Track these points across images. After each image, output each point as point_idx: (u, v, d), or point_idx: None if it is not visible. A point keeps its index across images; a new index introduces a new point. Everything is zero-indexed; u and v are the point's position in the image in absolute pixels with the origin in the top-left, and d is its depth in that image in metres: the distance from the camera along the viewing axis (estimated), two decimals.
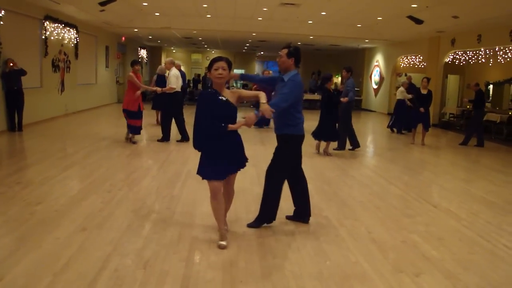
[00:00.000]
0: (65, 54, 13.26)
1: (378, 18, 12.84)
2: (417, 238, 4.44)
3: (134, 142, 9.11)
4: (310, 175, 7.07)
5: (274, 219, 4.59)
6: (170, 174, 6.72)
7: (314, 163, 8.04)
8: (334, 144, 9.20)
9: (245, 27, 16.09)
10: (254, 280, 3.37)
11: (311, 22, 14.86)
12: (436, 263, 3.84)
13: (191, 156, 7.48)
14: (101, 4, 11.72)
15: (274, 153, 4.55)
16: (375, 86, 19.30)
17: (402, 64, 17.06)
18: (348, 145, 9.34)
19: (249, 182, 6.41)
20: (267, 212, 4.56)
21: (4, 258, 3.56)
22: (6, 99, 9.73)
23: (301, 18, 14.38)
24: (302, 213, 4.76)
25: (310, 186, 6.26)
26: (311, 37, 17.48)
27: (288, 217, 4.80)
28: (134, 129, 9.02)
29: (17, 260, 3.53)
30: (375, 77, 19.29)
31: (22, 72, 9.78)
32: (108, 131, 10.86)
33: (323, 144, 8.80)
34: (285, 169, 4.55)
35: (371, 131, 14.49)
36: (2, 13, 9.09)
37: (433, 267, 3.75)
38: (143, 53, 25.22)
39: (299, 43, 21.10)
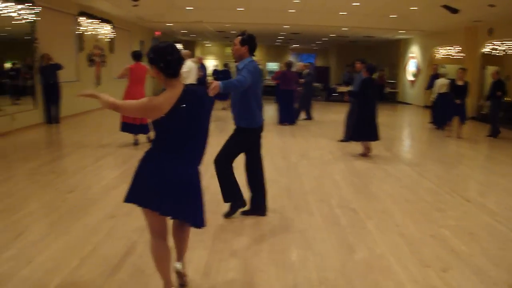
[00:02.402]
0: (100, 48, 13.58)
1: (412, 8, 12.46)
2: (446, 232, 4.30)
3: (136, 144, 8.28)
4: (340, 166, 7.04)
5: (244, 202, 4.52)
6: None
7: (343, 155, 7.91)
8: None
9: (277, 19, 15.97)
10: (275, 270, 3.36)
11: (344, 13, 14.59)
12: (465, 258, 3.71)
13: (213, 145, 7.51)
14: None
15: (227, 140, 4.41)
16: (411, 78, 18.79)
17: (438, 55, 16.51)
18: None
19: (278, 174, 6.39)
20: (234, 198, 4.47)
21: (35, 242, 3.70)
22: (43, 92, 10.06)
23: (333, 9, 14.15)
24: (257, 207, 4.58)
25: (338, 178, 6.30)
26: (344, 29, 17.17)
27: (243, 213, 4.56)
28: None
29: (47, 244, 3.66)
30: (412, 68, 18.77)
31: (58, 67, 10.08)
32: None
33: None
34: (232, 155, 4.39)
35: (406, 124, 14.15)
36: (38, 9, 9.37)
37: (461, 263, 3.62)
38: (179, 47, 25.52)
39: (332, 35, 20.84)
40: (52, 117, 10.23)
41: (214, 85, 3.67)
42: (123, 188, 5.27)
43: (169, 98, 2.63)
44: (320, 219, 4.56)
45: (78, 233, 3.94)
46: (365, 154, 7.83)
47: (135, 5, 12.79)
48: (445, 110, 10.83)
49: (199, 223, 2.84)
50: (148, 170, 2.65)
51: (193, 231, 3.11)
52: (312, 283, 3.19)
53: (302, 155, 7.88)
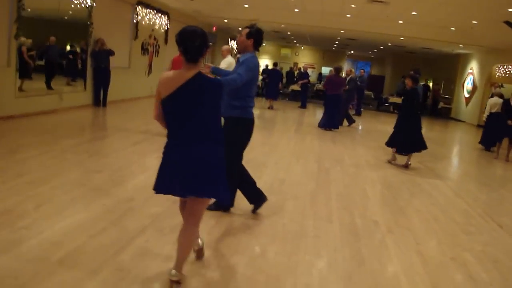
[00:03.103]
0: (155, 38, 13.96)
1: (473, 22, 11.83)
2: (469, 257, 4.03)
3: None
4: (372, 176, 6.82)
5: (232, 206, 4.42)
6: None
7: (379, 165, 7.66)
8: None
9: (333, 23, 15.75)
10: (276, 273, 3.28)
11: (401, 22, 14.13)
12: (482, 286, 3.46)
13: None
14: None
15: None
16: (467, 95, 17.90)
17: (498, 74, 15.59)
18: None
19: (307, 178, 6.28)
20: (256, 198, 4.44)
21: (51, 215, 3.83)
22: (93, 76, 10.47)
23: (390, 17, 13.72)
24: (257, 198, 4.49)
25: (368, 187, 6.12)
26: (402, 38, 16.66)
27: (254, 210, 4.51)
28: None
29: (62, 219, 3.77)
30: (468, 85, 17.88)
31: (111, 53, 10.44)
32: None
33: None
34: (238, 151, 4.26)
35: (454, 142, 13.52)
36: None
37: None
38: (233, 44, 25.80)
39: (389, 44, 20.28)
40: (100, 100, 10.62)
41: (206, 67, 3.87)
42: (149, 174, 5.44)
43: (178, 77, 2.72)
44: (338, 227, 4.42)
45: (94, 212, 4.04)
46: (407, 166, 7.65)
47: None
48: (495, 131, 10.20)
49: (222, 199, 2.93)
50: (165, 160, 2.84)
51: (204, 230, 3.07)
52: None
53: (337, 161, 7.70)
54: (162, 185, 2.83)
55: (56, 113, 9.01)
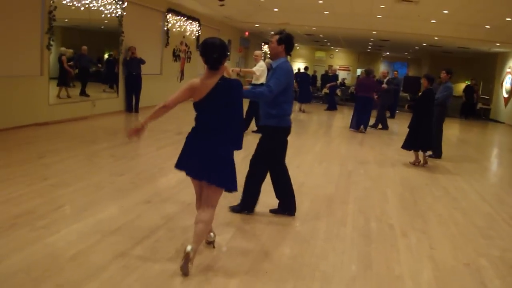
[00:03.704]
0: (186, 45, 14.28)
1: (507, 19, 11.41)
2: (485, 262, 3.91)
3: None
4: (396, 179, 6.73)
5: (253, 210, 4.51)
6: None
7: (404, 168, 7.53)
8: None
9: (363, 24, 15.59)
10: (279, 273, 3.32)
11: (434, 21, 13.82)
12: None
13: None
14: None
15: (258, 144, 4.40)
16: (505, 95, 17.20)
17: None
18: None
19: (327, 180, 6.28)
20: (247, 201, 4.49)
21: (69, 216, 4.04)
22: (125, 83, 10.85)
23: (422, 16, 13.46)
24: (287, 206, 4.58)
25: (389, 191, 6.04)
26: (436, 38, 16.26)
27: (272, 211, 4.60)
28: None
29: (79, 219, 3.97)
30: (507, 85, 17.17)
31: (141, 61, 10.79)
32: None
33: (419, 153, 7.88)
34: (266, 162, 4.40)
35: (490, 144, 13.03)
36: (125, 5, 10.12)
37: None
38: (266, 48, 25.93)
39: (424, 44, 19.83)
40: (132, 106, 10.97)
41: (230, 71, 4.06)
42: (170, 177, 5.63)
43: (206, 84, 3.16)
44: (350, 230, 4.40)
45: (111, 213, 4.22)
46: (416, 163, 7.84)
47: (221, 5, 13.27)
48: None
49: (230, 187, 3.29)
50: (187, 143, 3.31)
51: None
52: None
53: (361, 163, 7.63)
54: (181, 164, 3.31)
55: (89, 120, 9.40)
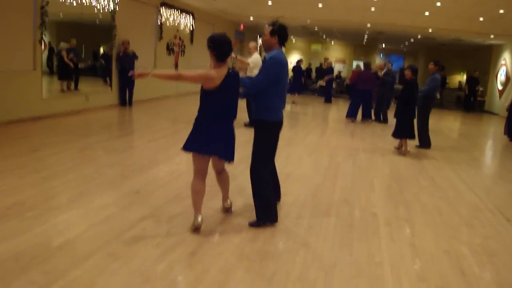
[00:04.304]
0: (180, 38, 14.30)
1: (501, 11, 11.44)
2: (465, 250, 4.02)
3: None
4: (384, 170, 6.82)
5: (276, 219, 4.16)
6: (242, 156, 6.95)
7: (394, 159, 7.63)
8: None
9: (358, 17, 15.61)
10: (259, 259, 3.42)
11: (427, 13, 13.83)
12: (471, 281, 3.44)
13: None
14: None
15: (253, 143, 4.14)
16: (500, 87, 17.28)
17: None
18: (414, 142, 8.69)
19: (315, 171, 6.37)
20: (264, 210, 4.11)
21: (58, 207, 4.13)
22: (118, 77, 10.90)
23: (415, 9, 13.47)
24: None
25: (376, 181, 6.15)
26: (430, 30, 16.28)
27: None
28: None
29: (67, 210, 4.06)
30: (501, 77, 17.25)
31: (135, 57, 10.84)
32: None
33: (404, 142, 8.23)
34: (266, 157, 4.16)
35: (482, 135, 13.13)
36: None
37: (464, 284, 3.36)
38: (260, 41, 25.94)
39: (419, 36, 19.83)
40: (125, 100, 11.04)
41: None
42: (159, 169, 5.73)
43: (219, 75, 3.67)
44: (334, 219, 4.50)
45: (99, 203, 4.31)
46: (399, 150, 8.26)
47: None
48: None
49: (231, 158, 3.94)
50: (201, 128, 3.73)
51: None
52: (289, 277, 3.20)
53: (350, 155, 7.72)
54: (191, 146, 3.78)
55: (82, 113, 9.47)
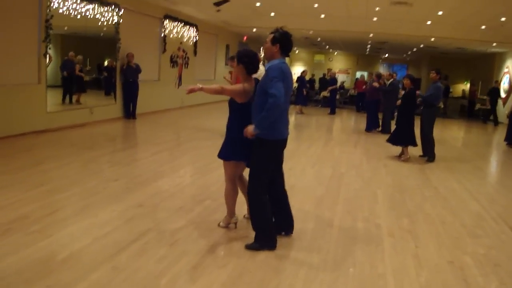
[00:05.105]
0: (184, 51, 14.42)
1: (502, 19, 11.50)
2: (469, 260, 4.00)
3: None
4: (387, 180, 6.82)
5: (275, 246, 3.88)
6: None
7: (397, 169, 7.63)
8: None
9: (360, 27, 15.71)
10: (261, 274, 3.42)
11: (429, 22, 13.91)
12: None
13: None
14: (216, 4, 12.50)
15: (252, 162, 3.88)
16: (503, 95, 17.24)
17: None
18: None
19: (318, 182, 6.38)
20: (262, 235, 3.87)
21: (62, 220, 4.16)
22: (123, 89, 11.01)
23: (417, 18, 13.56)
24: (281, 225, 4.15)
25: (380, 192, 6.13)
26: (432, 39, 16.35)
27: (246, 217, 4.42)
28: None
29: (71, 223, 4.09)
30: (504, 85, 17.22)
31: (138, 70, 10.95)
32: (212, 124, 11.44)
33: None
34: (265, 179, 3.83)
35: (485, 144, 13.09)
36: (122, 12, 10.30)
37: None
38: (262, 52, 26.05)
39: (422, 45, 19.90)
40: (129, 113, 11.12)
41: (249, 132, 3.69)
42: (163, 182, 5.77)
43: (251, 88, 3.94)
44: (337, 231, 4.50)
45: (103, 217, 4.34)
46: (400, 157, 8.47)
47: (218, 10, 13.44)
48: None
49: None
50: (237, 137, 3.93)
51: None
52: None
53: (353, 165, 7.73)
54: (231, 155, 4.01)
55: (87, 126, 9.55)
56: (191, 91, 3.80)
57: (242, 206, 4.52)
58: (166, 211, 4.66)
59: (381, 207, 5.44)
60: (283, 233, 4.18)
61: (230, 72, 9.34)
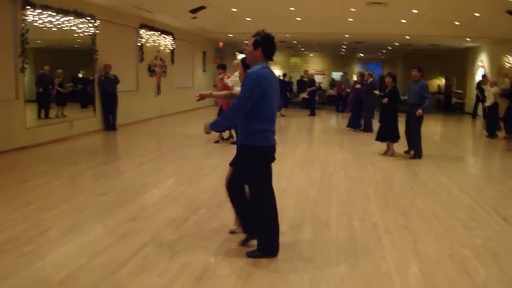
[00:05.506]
0: (161, 59, 14.28)
1: (475, 14, 11.77)
2: (468, 252, 4.04)
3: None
4: (376, 178, 6.85)
5: (277, 252, 3.79)
6: None
7: (384, 166, 7.70)
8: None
9: (336, 28, 15.84)
10: (268, 280, 3.37)
11: (404, 21, 14.14)
12: (478, 282, 3.45)
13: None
14: (192, 11, 12.43)
15: (246, 173, 3.73)
16: None
17: (508, 64, 15.34)
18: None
19: (309, 184, 6.37)
20: (266, 241, 3.77)
21: (55, 239, 4.01)
22: (102, 101, 10.81)
23: (392, 17, 13.77)
24: (248, 228, 3.97)
25: (371, 190, 6.15)
26: (408, 37, 16.63)
27: (232, 231, 4.21)
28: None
29: (65, 242, 3.95)
30: (479, 78, 17.64)
31: (116, 81, 10.78)
32: (194, 132, 11.25)
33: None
34: (264, 183, 3.71)
35: (466, 136, 13.37)
36: (98, 23, 10.13)
37: (472, 286, 3.38)
38: (241, 57, 26.02)
39: (396, 44, 20.23)
40: (109, 124, 10.92)
41: (204, 127, 3.74)
42: (152, 193, 5.65)
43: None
44: (335, 232, 4.48)
45: (96, 233, 4.21)
46: (386, 153, 8.71)
47: (194, 17, 13.36)
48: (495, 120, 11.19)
49: None
50: None
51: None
52: None
53: (341, 166, 7.75)
54: None
55: (68, 141, 9.33)
56: (201, 97, 3.86)
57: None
58: (160, 223, 4.56)
59: (375, 206, 5.46)
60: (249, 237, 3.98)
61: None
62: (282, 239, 4.12)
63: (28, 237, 4.01)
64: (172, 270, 3.46)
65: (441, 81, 23.46)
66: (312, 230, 4.51)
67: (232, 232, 4.28)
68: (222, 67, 9.51)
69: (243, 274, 3.45)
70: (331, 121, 16.24)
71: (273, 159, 3.78)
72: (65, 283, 3.20)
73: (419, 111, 8.13)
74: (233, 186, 3.90)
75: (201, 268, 3.52)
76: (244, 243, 3.99)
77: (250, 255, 3.76)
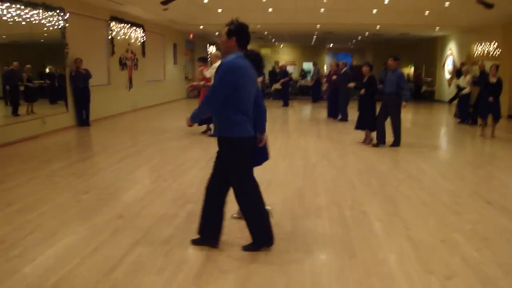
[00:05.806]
0: (132, 52, 13.94)
1: (446, 4, 12.01)
2: (459, 237, 4.11)
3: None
4: (359, 167, 6.90)
5: (273, 241, 3.74)
6: None
7: (365, 155, 7.77)
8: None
9: (308, 19, 15.85)
10: (269, 272, 3.32)
11: (375, 11, 14.28)
12: (474, 265, 3.52)
13: None
14: (163, 3, 12.13)
15: (225, 167, 3.63)
16: (448, 76, 18.12)
17: (476, 52, 15.79)
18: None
19: (293, 175, 6.35)
20: (260, 232, 3.71)
21: (42, 241, 3.84)
22: (74, 96, 10.46)
23: (364, 7, 13.88)
24: (210, 234, 3.76)
25: (356, 179, 6.17)
26: (378, 27, 16.82)
27: (194, 241, 3.81)
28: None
29: (52, 244, 3.78)
30: (448, 66, 18.12)
31: (88, 76, 10.44)
32: (170, 125, 11.15)
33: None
34: (246, 174, 3.64)
35: (439, 123, 13.68)
36: (67, 16, 9.76)
37: (469, 270, 3.43)
38: (212, 49, 25.77)
39: (367, 33, 20.45)
40: (82, 120, 10.59)
41: (186, 120, 3.66)
42: (137, 189, 5.49)
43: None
44: (327, 222, 4.47)
45: (84, 233, 4.05)
46: (365, 142, 8.81)
47: (165, 9, 13.05)
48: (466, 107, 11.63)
49: None
50: None
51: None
52: (304, 287, 3.13)
53: (323, 156, 7.77)
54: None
55: (41, 138, 8.99)
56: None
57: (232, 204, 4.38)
58: (149, 219, 4.43)
59: (362, 194, 5.49)
60: (210, 244, 3.73)
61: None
62: (275, 231, 4.08)
63: (13, 240, 3.81)
64: (169, 268, 3.36)
65: (410, 70, 23.92)
66: (305, 221, 4.48)
67: (234, 217, 4.35)
68: (203, 60, 9.57)
69: (242, 269, 3.39)
70: (305, 111, 16.31)
71: (252, 150, 3.69)
72: (59, 287, 3.06)
73: (404, 104, 8.27)
74: (216, 184, 3.72)
75: (199, 264, 3.44)
76: (195, 242, 3.80)
77: (246, 248, 3.71)
